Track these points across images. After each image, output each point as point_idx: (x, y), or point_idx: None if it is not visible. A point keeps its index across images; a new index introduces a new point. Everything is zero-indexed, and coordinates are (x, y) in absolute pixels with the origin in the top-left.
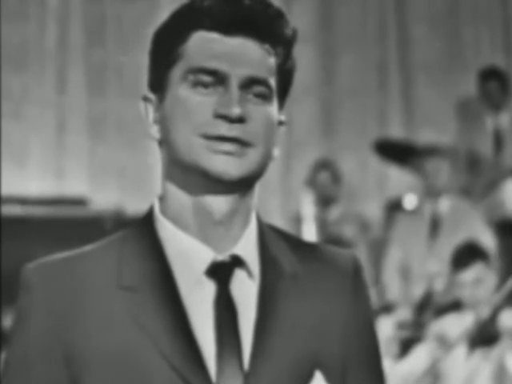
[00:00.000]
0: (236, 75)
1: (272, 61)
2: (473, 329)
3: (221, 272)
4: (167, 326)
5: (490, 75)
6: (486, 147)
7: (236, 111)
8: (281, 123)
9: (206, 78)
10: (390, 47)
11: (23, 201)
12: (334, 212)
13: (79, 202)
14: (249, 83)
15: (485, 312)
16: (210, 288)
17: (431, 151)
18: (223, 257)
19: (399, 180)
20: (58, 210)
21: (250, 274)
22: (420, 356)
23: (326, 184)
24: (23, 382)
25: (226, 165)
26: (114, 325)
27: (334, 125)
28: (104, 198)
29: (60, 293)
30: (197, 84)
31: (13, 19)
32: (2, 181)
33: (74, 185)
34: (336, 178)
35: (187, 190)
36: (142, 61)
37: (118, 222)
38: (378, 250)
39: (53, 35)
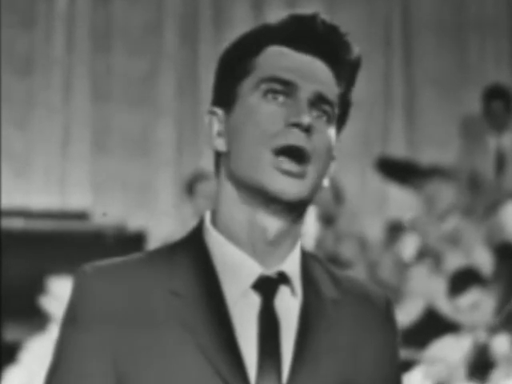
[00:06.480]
0: (306, 89)
1: (336, 89)
2: (471, 353)
3: (267, 286)
4: (213, 332)
5: (494, 94)
6: (487, 168)
7: (307, 119)
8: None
9: (278, 87)
10: (395, 62)
11: (26, 214)
12: (334, 230)
13: (81, 215)
14: (317, 100)
15: (481, 336)
16: (254, 301)
17: (434, 172)
18: (270, 272)
19: (400, 200)
20: (61, 224)
21: (293, 291)
22: (416, 380)
23: (328, 202)
24: (74, 378)
25: (286, 185)
26: (162, 328)
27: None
28: (106, 212)
29: (114, 297)
30: (268, 92)
31: (20, 26)
32: (5, 193)
33: (77, 198)
34: (338, 196)
35: (243, 205)
36: (146, 70)
37: (120, 236)
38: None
39: (59, 42)
